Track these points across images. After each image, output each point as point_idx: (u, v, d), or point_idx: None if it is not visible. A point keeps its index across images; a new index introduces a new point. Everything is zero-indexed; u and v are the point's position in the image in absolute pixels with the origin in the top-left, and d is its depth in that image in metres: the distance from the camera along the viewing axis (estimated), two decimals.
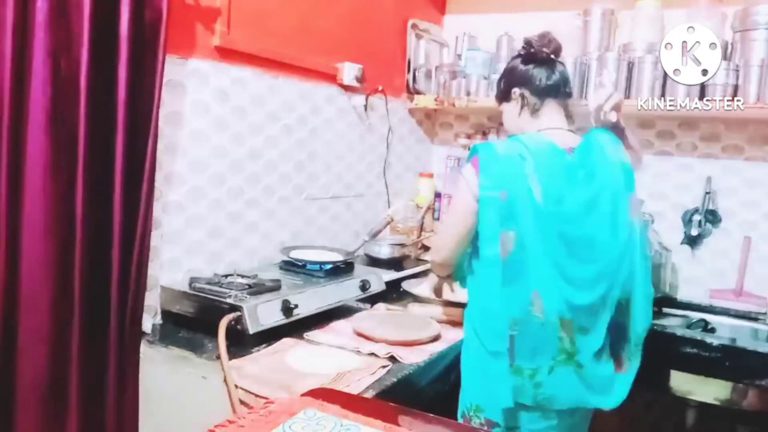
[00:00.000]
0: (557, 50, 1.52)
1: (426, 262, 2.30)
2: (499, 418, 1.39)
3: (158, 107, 1.37)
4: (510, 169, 1.37)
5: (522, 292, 1.36)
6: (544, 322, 1.36)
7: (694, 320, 2.14)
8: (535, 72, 1.49)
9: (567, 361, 1.39)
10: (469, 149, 2.59)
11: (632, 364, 1.46)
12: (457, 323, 1.74)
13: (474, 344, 1.45)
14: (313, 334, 1.57)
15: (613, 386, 1.45)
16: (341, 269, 1.87)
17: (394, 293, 1.98)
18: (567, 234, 1.37)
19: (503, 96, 1.56)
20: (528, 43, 1.52)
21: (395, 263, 2.17)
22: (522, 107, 1.51)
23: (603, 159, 1.40)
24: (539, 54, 1.50)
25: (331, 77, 2.13)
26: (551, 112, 1.50)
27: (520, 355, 1.38)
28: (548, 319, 1.35)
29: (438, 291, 1.76)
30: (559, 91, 1.50)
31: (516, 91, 1.51)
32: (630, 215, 1.40)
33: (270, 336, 1.49)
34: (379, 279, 1.91)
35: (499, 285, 1.37)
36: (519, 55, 1.55)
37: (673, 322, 2.20)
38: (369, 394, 1.27)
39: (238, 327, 1.43)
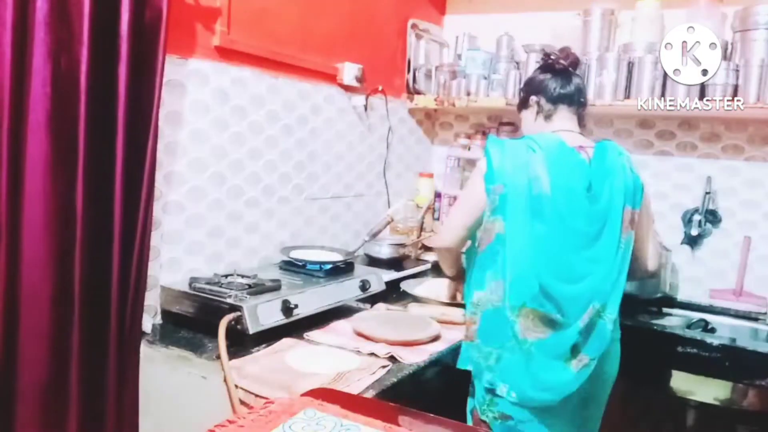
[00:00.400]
0: (575, 63, 1.61)
1: (426, 262, 2.30)
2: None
3: (158, 107, 1.37)
4: (513, 160, 1.44)
5: (487, 279, 1.47)
6: (499, 309, 1.43)
7: (694, 320, 2.14)
8: (551, 82, 1.57)
9: (516, 350, 1.42)
10: (469, 149, 2.60)
11: (589, 367, 1.44)
12: (457, 323, 1.74)
13: None
14: (313, 334, 1.57)
15: (561, 386, 1.43)
16: (341, 269, 1.86)
17: (394, 293, 1.98)
18: (573, 226, 1.41)
19: (522, 104, 1.65)
20: (546, 55, 1.61)
21: (395, 263, 2.17)
22: (537, 113, 1.59)
23: (617, 167, 1.47)
24: (556, 64, 1.58)
25: (331, 77, 2.13)
26: (563, 117, 1.57)
27: (480, 334, 1.48)
28: (506, 306, 1.42)
29: (454, 296, 1.84)
30: (573, 99, 1.57)
31: (533, 99, 1.59)
32: (631, 227, 1.48)
33: (270, 336, 1.49)
34: (379, 279, 1.91)
35: (471, 266, 1.54)
36: (539, 67, 1.65)
37: (673, 322, 2.20)
38: (369, 394, 1.27)
39: (238, 327, 1.43)
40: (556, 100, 1.56)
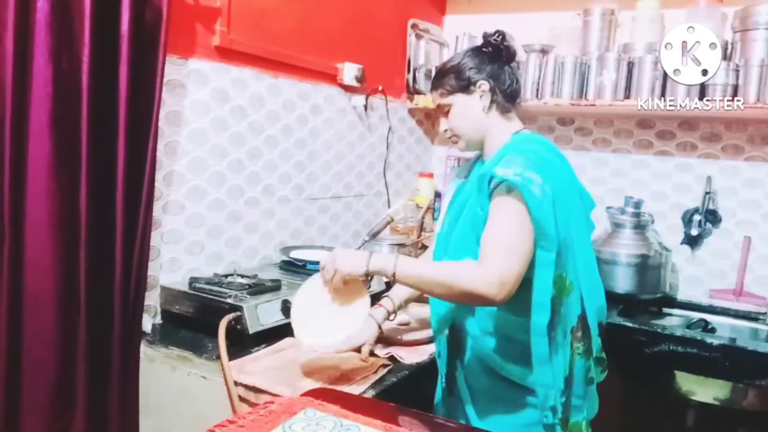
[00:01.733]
0: (515, 54, 1.35)
1: None
2: None
3: (158, 107, 1.37)
4: (560, 190, 1.19)
5: (567, 352, 1.24)
6: (586, 356, 1.28)
7: (694, 320, 2.14)
8: (507, 70, 1.31)
9: (597, 378, 1.35)
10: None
11: None
12: None
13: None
14: None
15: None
16: None
17: None
18: (592, 223, 1.36)
19: (464, 87, 1.29)
20: (502, 36, 1.31)
21: None
22: (492, 103, 1.29)
23: None
24: (509, 49, 1.31)
25: (331, 77, 2.13)
26: (516, 116, 1.34)
27: (575, 412, 1.27)
28: (594, 344, 1.30)
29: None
30: (517, 99, 1.34)
31: (484, 84, 1.28)
32: None
33: (270, 336, 1.49)
34: (379, 279, 1.90)
35: (547, 356, 1.20)
36: (489, 43, 1.31)
37: (673, 322, 2.20)
38: (369, 394, 1.27)
39: (238, 327, 1.43)
40: (509, 97, 1.30)
